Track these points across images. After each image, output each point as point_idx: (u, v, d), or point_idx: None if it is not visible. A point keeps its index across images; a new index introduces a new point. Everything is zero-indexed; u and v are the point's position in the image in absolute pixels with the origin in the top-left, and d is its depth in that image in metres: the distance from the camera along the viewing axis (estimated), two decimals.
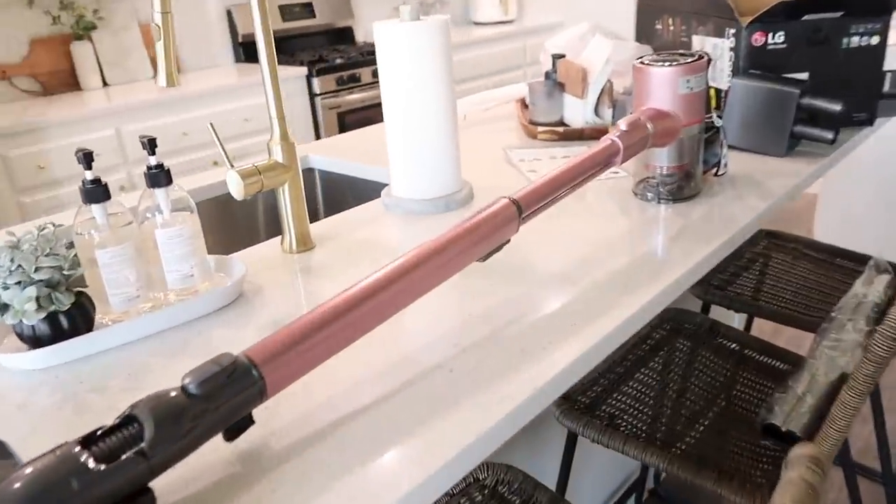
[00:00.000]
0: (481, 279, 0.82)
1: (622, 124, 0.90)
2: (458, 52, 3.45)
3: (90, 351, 0.71)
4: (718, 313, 1.81)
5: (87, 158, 0.71)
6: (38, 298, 0.67)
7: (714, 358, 1.17)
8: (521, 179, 1.16)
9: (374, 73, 3.04)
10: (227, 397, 0.51)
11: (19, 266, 0.68)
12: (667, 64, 0.94)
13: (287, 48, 3.29)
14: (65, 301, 0.69)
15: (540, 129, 1.39)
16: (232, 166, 0.86)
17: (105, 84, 2.72)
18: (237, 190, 0.86)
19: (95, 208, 0.73)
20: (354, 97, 2.99)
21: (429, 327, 0.72)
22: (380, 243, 0.95)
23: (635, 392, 1.09)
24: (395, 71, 0.98)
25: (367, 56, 3.05)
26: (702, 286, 1.35)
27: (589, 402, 1.06)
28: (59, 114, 2.23)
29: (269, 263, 0.90)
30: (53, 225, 0.72)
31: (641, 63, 0.96)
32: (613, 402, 1.06)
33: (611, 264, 0.83)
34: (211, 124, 0.86)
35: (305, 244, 0.94)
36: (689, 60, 0.94)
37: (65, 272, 0.69)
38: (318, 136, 2.95)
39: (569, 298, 0.76)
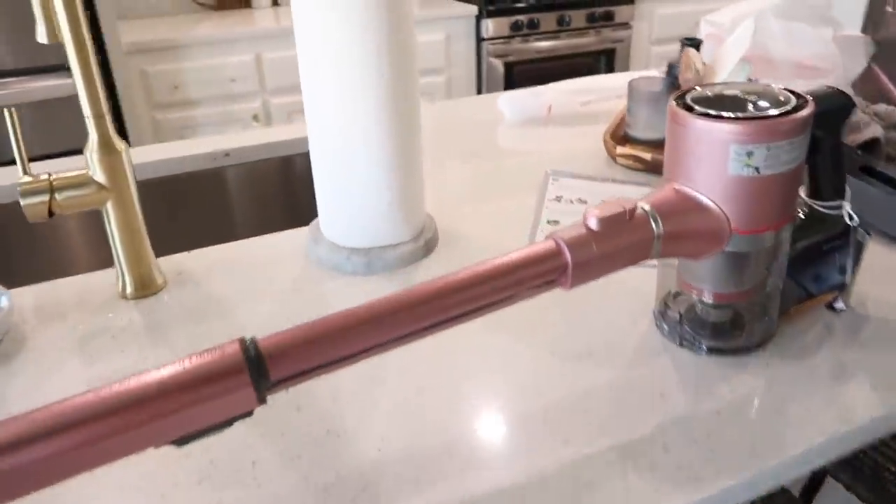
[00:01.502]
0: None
1: (592, 216, 0.49)
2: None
3: None
4: None
5: None
6: None
7: None
8: (527, 233, 0.77)
9: (559, 20, 2.61)
10: None
11: None
12: (717, 114, 0.49)
13: None
14: None
15: (619, 149, 0.95)
16: (25, 173, 0.62)
17: (275, 3, 2.65)
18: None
19: None
20: (528, 46, 2.59)
21: None
22: (256, 304, 0.66)
23: None
24: (309, 35, 0.66)
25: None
26: (860, 473, 0.85)
27: None
28: (201, 33, 2.18)
29: (84, 306, 0.67)
30: None
31: (677, 101, 0.52)
32: None
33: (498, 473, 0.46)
34: (9, 111, 0.63)
35: (145, 288, 0.69)
36: (760, 113, 0.48)
37: None
38: (479, 90, 2.63)
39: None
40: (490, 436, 0.50)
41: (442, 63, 2.51)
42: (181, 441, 0.42)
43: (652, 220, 0.50)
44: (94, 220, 1.01)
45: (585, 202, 0.85)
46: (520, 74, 2.61)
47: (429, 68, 2.49)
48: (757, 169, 0.49)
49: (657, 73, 1.05)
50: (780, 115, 0.48)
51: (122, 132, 2.10)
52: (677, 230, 0.51)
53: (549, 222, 0.81)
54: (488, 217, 0.82)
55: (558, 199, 0.86)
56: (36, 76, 1.90)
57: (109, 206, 0.64)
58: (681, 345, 0.58)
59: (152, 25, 2.34)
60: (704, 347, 0.57)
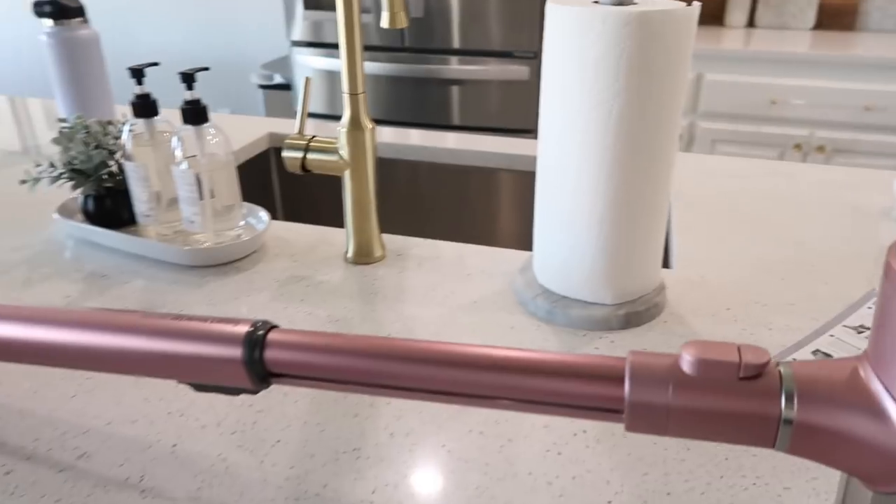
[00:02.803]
0: None
1: (689, 352, 0.34)
2: None
3: (84, 235, 0.78)
4: None
5: (136, 74, 0.73)
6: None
7: None
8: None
9: None
10: None
11: (96, 147, 0.77)
12: None
13: None
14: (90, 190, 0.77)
15: None
16: (300, 132, 0.73)
17: (751, 24, 2.44)
18: None
19: (139, 122, 0.75)
20: None
21: None
22: (430, 309, 0.67)
23: None
24: (558, 74, 0.60)
25: None
26: None
27: None
28: None
29: (312, 254, 0.76)
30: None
31: None
32: None
33: None
34: (307, 80, 0.73)
35: (362, 256, 0.74)
36: None
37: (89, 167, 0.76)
38: None
39: None
40: None
41: None
42: (197, 387, 0.45)
43: (783, 394, 0.33)
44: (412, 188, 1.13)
45: None
46: None
47: None
48: None
49: None
50: None
51: None
52: (823, 426, 0.32)
53: (814, 353, 0.59)
54: (749, 316, 0.64)
55: (861, 329, 0.62)
56: (496, 59, 2.16)
57: (347, 175, 0.71)
58: None
59: None
60: None
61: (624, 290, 0.63)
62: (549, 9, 0.58)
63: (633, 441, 0.49)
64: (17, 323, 0.46)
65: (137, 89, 0.74)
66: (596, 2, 0.58)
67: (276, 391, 0.54)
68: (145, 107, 0.74)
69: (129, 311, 0.46)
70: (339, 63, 0.70)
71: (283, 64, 2.56)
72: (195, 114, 0.71)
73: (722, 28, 2.45)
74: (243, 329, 0.42)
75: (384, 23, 0.72)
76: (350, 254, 0.75)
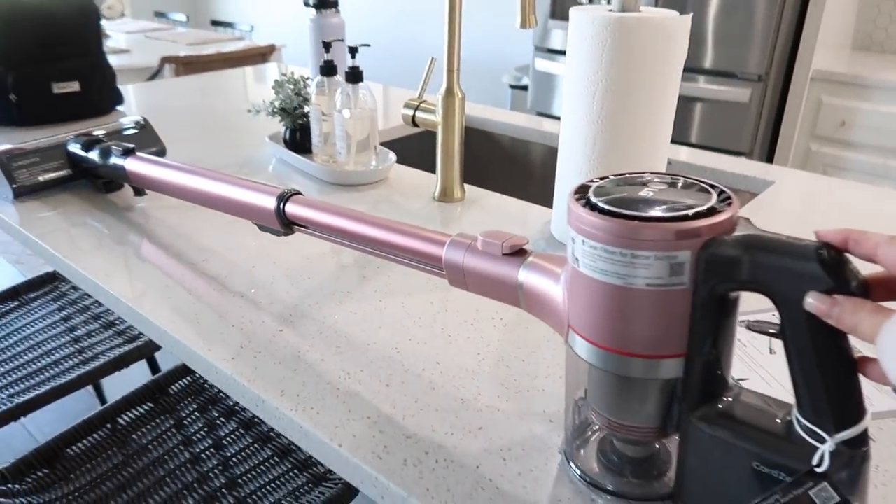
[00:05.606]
0: None
1: (481, 235, 0.52)
2: None
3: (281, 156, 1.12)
4: None
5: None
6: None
7: None
8: None
9: None
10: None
11: (297, 94, 1.12)
12: (583, 186, 0.42)
13: None
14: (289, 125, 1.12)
15: None
16: (418, 97, 0.98)
17: None
18: None
19: (324, 79, 1.06)
20: None
21: None
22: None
23: None
24: (569, 63, 0.77)
25: None
26: None
27: None
28: None
29: (410, 190, 1.01)
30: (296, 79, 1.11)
31: (576, 196, 0.45)
32: None
33: None
34: (432, 59, 0.98)
35: (445, 196, 0.97)
36: (606, 203, 0.40)
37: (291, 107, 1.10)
38: None
39: None
40: None
41: None
42: (259, 227, 0.73)
43: (522, 268, 0.49)
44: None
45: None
46: None
47: None
48: (577, 261, 0.42)
49: None
50: (610, 213, 0.39)
51: (771, 150, 2.20)
52: (535, 292, 0.48)
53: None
54: None
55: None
56: (717, 78, 2.17)
57: (439, 131, 0.94)
58: (582, 481, 0.52)
59: (883, 62, 2.24)
60: (604, 489, 0.50)
61: None
62: (571, 11, 0.75)
63: (529, 332, 0.66)
64: (187, 173, 0.79)
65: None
66: (610, 10, 0.73)
67: (325, 260, 0.80)
68: (329, 69, 1.06)
69: (234, 176, 0.75)
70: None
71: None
72: (354, 76, 1.01)
73: None
74: (279, 190, 0.69)
75: (517, 24, 0.93)
76: (436, 193, 0.98)
